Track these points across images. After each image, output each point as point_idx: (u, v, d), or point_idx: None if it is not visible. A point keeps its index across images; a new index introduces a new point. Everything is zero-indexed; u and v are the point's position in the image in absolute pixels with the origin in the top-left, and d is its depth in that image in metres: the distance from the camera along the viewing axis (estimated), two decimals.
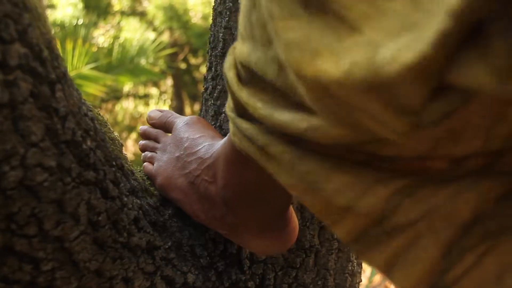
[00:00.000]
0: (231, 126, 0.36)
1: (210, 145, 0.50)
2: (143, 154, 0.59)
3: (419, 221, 0.24)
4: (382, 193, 0.25)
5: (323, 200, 0.27)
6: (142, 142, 0.60)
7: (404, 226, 0.25)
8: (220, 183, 0.47)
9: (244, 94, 0.31)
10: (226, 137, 0.46)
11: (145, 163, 0.57)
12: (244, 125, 0.33)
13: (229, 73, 0.33)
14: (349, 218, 0.27)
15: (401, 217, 0.25)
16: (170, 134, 0.57)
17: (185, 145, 0.52)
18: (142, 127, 0.61)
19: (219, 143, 0.48)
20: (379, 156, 0.25)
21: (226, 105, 0.36)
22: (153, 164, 0.56)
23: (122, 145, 0.53)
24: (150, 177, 0.56)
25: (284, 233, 0.49)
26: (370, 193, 0.25)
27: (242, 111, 0.33)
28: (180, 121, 0.56)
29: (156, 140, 0.58)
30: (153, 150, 0.58)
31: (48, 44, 0.37)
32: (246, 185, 0.45)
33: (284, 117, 0.27)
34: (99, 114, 0.51)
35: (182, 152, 0.52)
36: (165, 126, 0.58)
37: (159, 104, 6.02)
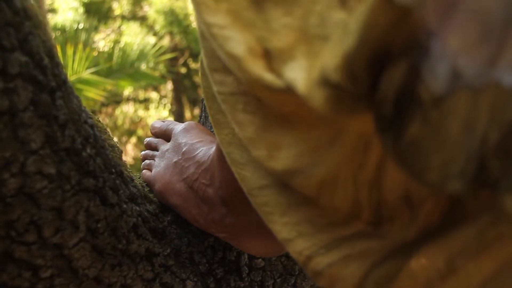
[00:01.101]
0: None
1: (208, 149, 0.50)
2: (143, 163, 0.59)
3: (332, 266, 0.28)
4: (317, 241, 0.28)
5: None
6: (143, 152, 0.60)
7: (322, 270, 0.28)
8: (217, 183, 0.47)
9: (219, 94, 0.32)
10: None
11: (143, 170, 0.58)
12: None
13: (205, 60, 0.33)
14: (289, 250, 0.29)
15: (318, 264, 0.28)
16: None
17: (183, 150, 0.52)
18: (147, 138, 0.62)
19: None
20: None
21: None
22: (151, 171, 0.56)
23: (121, 152, 0.53)
24: (148, 183, 0.56)
25: None
26: (310, 240, 0.28)
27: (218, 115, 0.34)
28: (178, 127, 0.57)
29: (156, 148, 0.59)
30: (152, 158, 0.58)
31: (48, 52, 0.38)
32: None
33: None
34: (99, 121, 0.51)
35: (180, 157, 0.53)
36: (166, 134, 0.58)
37: (159, 108, 6.02)
